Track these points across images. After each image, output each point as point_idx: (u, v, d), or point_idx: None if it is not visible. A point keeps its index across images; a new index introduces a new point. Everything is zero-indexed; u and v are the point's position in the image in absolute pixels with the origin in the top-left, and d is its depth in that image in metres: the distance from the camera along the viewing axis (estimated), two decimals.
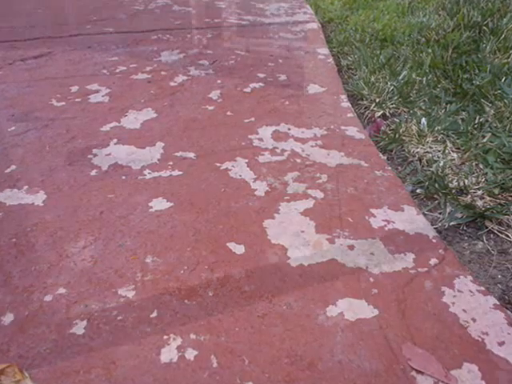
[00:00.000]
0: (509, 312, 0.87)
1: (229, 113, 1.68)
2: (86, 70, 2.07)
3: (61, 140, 1.45)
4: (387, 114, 1.73)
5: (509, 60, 1.85)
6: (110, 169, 1.30)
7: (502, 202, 1.18)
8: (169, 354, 0.76)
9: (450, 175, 1.29)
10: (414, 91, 1.83)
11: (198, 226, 1.07)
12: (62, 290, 0.89)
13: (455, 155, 1.40)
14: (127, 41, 2.52)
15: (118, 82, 1.93)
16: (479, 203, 1.18)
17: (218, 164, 1.34)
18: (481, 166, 1.32)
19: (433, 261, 0.98)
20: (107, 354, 0.76)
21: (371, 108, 1.77)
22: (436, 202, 1.22)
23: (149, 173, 1.29)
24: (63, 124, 1.55)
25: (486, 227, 1.12)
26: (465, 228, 1.13)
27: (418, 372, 0.74)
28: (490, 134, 1.42)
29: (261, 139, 1.49)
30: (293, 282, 0.92)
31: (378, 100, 1.78)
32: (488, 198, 1.19)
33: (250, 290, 0.90)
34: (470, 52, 2.01)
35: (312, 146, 1.46)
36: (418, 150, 1.45)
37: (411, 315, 0.85)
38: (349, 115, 1.70)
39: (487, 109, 1.57)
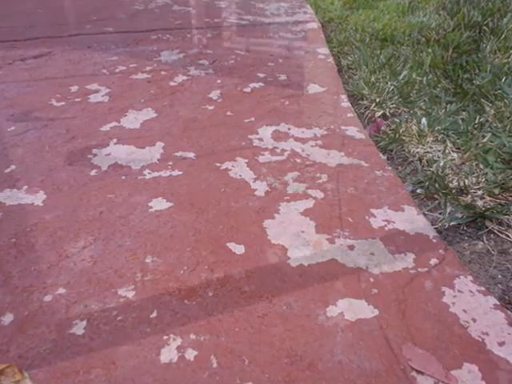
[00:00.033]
0: (509, 312, 0.86)
1: (229, 113, 1.68)
2: (86, 69, 2.06)
3: (60, 140, 1.45)
4: (387, 113, 1.73)
5: (509, 60, 1.85)
6: (110, 169, 1.30)
7: (503, 201, 1.17)
8: (169, 354, 0.76)
9: (450, 175, 1.29)
10: (415, 91, 1.83)
11: (197, 226, 1.07)
12: (61, 290, 0.88)
13: (455, 155, 1.40)
14: (127, 41, 2.52)
15: (118, 82, 1.93)
16: (479, 203, 1.18)
17: (218, 164, 1.34)
18: (481, 166, 1.32)
19: (433, 261, 0.98)
20: (107, 354, 0.76)
21: (371, 108, 1.77)
22: (436, 202, 1.22)
23: (149, 173, 1.28)
24: (63, 124, 1.55)
25: (487, 227, 1.12)
26: (465, 228, 1.13)
27: (419, 372, 0.74)
28: (490, 133, 1.42)
29: (261, 139, 1.49)
30: (293, 282, 0.92)
31: (378, 100, 1.78)
32: (488, 198, 1.19)
33: (249, 290, 0.90)
34: (471, 52, 2.01)
35: (312, 146, 1.45)
36: (418, 149, 1.45)
37: (411, 315, 0.84)
38: (349, 115, 1.70)
39: (487, 109, 1.57)
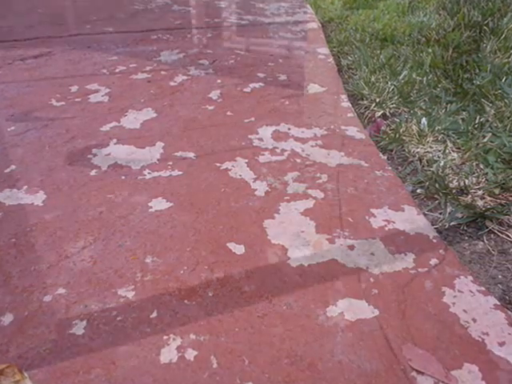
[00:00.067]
0: (509, 312, 0.86)
1: (229, 113, 1.68)
2: (86, 69, 2.06)
3: (60, 140, 1.45)
4: (387, 113, 1.73)
5: (509, 60, 1.85)
6: (110, 169, 1.30)
7: (503, 201, 1.17)
8: (168, 354, 0.76)
9: (450, 175, 1.29)
10: (415, 91, 1.83)
11: (197, 226, 1.07)
12: (61, 291, 0.88)
13: (455, 155, 1.39)
14: (127, 40, 2.52)
15: (118, 82, 1.93)
16: (480, 203, 1.18)
17: (218, 164, 1.34)
18: (481, 166, 1.32)
19: (433, 261, 0.98)
20: (107, 355, 0.76)
21: (371, 108, 1.77)
22: (436, 202, 1.22)
23: (148, 173, 1.28)
24: (63, 124, 1.55)
25: (487, 227, 1.11)
26: (465, 228, 1.13)
27: (419, 372, 0.74)
28: (490, 133, 1.42)
29: (261, 139, 1.49)
30: (293, 282, 0.92)
31: (378, 100, 1.78)
32: (488, 198, 1.19)
33: (249, 290, 0.90)
34: (471, 52, 2.01)
35: (312, 146, 1.45)
36: (419, 149, 1.45)
37: (411, 315, 0.84)
38: (349, 115, 1.70)
39: (488, 109, 1.57)
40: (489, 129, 1.46)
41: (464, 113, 1.61)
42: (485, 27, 2.16)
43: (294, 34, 2.86)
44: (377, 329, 0.82)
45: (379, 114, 1.72)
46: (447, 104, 1.68)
